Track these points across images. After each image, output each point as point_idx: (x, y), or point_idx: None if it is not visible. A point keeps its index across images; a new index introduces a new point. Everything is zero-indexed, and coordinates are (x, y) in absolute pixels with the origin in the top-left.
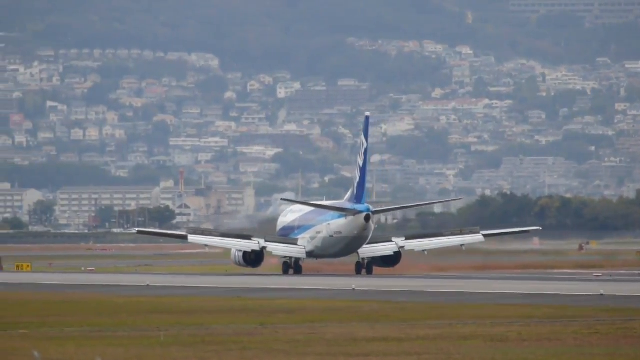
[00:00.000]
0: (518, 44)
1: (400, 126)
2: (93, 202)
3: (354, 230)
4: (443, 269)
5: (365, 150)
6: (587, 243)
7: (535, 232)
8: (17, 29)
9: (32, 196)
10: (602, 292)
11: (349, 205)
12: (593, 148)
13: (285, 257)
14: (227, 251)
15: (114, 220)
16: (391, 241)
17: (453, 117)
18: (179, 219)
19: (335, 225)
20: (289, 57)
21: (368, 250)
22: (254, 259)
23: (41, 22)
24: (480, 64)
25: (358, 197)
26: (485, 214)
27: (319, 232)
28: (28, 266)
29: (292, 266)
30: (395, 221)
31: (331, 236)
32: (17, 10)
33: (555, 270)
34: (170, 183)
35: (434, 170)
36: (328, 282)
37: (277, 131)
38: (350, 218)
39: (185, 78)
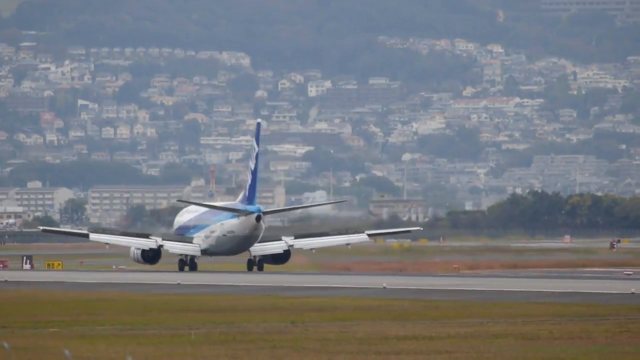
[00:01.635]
0: (549, 43)
1: (431, 125)
2: (124, 201)
3: (245, 230)
4: (473, 267)
5: (257, 154)
6: (618, 241)
7: (565, 231)
8: (48, 28)
9: (63, 195)
10: (633, 290)
11: (241, 207)
12: (624, 146)
13: (181, 254)
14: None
15: (145, 219)
16: (281, 240)
17: (484, 115)
18: None
19: (228, 225)
20: (320, 55)
21: (259, 249)
22: (151, 256)
23: (72, 21)
24: (512, 62)
25: (250, 199)
26: (516, 212)
27: (213, 232)
28: (59, 264)
29: (187, 263)
30: (426, 219)
31: (224, 235)
32: (48, 9)
33: (586, 269)
34: (201, 182)
35: (464, 168)
36: (358, 281)
37: (307, 130)
38: (242, 218)
39: (216, 76)
